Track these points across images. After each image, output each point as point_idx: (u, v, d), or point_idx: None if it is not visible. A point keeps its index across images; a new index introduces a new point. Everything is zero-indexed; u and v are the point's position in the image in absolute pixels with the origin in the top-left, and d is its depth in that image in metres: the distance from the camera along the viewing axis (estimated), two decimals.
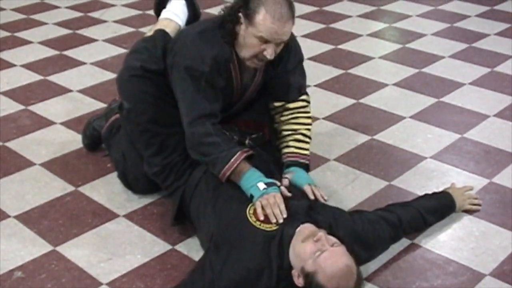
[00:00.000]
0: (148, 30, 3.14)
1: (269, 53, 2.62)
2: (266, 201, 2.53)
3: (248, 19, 2.59)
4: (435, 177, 3.25)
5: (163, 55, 2.86)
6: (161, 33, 3.02)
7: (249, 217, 2.53)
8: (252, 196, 2.58)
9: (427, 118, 3.81)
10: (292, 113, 2.96)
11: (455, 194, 2.96)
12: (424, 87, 4.19)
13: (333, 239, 2.36)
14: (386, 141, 3.57)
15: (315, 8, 5.63)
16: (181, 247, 2.78)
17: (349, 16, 5.45)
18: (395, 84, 4.23)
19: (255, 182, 2.60)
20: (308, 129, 2.98)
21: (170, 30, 3.07)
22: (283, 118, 2.98)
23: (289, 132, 2.95)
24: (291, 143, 2.94)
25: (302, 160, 2.91)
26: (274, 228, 2.49)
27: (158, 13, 3.24)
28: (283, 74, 2.90)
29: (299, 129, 2.95)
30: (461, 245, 2.79)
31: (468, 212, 2.98)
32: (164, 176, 2.88)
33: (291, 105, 2.96)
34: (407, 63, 4.54)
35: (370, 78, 4.31)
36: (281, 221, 2.48)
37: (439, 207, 2.90)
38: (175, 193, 2.86)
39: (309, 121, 2.99)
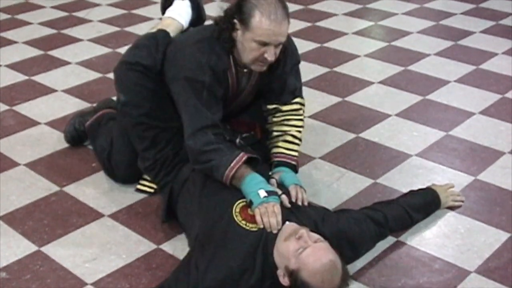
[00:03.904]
0: (151, 28, 3.17)
1: (270, 55, 2.63)
2: (265, 209, 2.49)
3: (244, 24, 2.60)
4: (421, 174, 3.26)
5: (162, 59, 2.89)
6: (164, 34, 3.02)
7: (234, 216, 2.52)
8: (251, 202, 2.54)
9: (412, 116, 3.82)
10: (284, 115, 2.96)
11: (439, 191, 2.97)
12: (409, 85, 4.20)
13: (315, 235, 2.36)
14: (371, 139, 3.58)
15: (300, 7, 5.62)
16: (166, 247, 2.77)
17: (335, 14, 5.46)
18: (380, 82, 4.24)
19: (256, 188, 2.56)
20: (299, 131, 2.97)
21: (172, 29, 3.09)
22: (275, 119, 2.98)
23: (279, 133, 2.95)
24: (280, 144, 2.93)
25: (289, 161, 2.90)
26: (259, 227, 2.48)
27: (164, 12, 3.27)
28: (279, 76, 2.89)
29: (290, 130, 2.95)
30: (447, 242, 2.80)
31: (453, 209, 2.99)
32: (155, 171, 2.92)
33: (284, 107, 2.96)
34: (392, 61, 4.55)
35: (356, 76, 4.31)
36: (275, 231, 2.44)
37: (424, 204, 2.91)
38: (164, 189, 2.88)
39: (300, 123, 2.99)
